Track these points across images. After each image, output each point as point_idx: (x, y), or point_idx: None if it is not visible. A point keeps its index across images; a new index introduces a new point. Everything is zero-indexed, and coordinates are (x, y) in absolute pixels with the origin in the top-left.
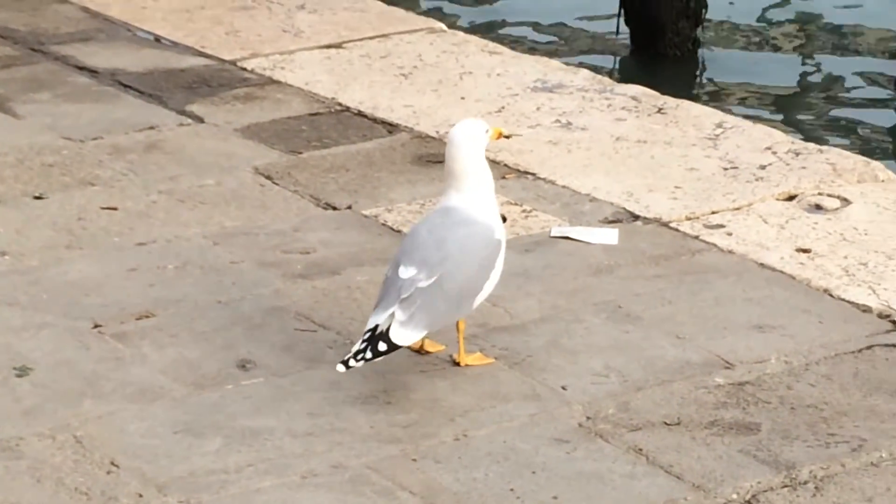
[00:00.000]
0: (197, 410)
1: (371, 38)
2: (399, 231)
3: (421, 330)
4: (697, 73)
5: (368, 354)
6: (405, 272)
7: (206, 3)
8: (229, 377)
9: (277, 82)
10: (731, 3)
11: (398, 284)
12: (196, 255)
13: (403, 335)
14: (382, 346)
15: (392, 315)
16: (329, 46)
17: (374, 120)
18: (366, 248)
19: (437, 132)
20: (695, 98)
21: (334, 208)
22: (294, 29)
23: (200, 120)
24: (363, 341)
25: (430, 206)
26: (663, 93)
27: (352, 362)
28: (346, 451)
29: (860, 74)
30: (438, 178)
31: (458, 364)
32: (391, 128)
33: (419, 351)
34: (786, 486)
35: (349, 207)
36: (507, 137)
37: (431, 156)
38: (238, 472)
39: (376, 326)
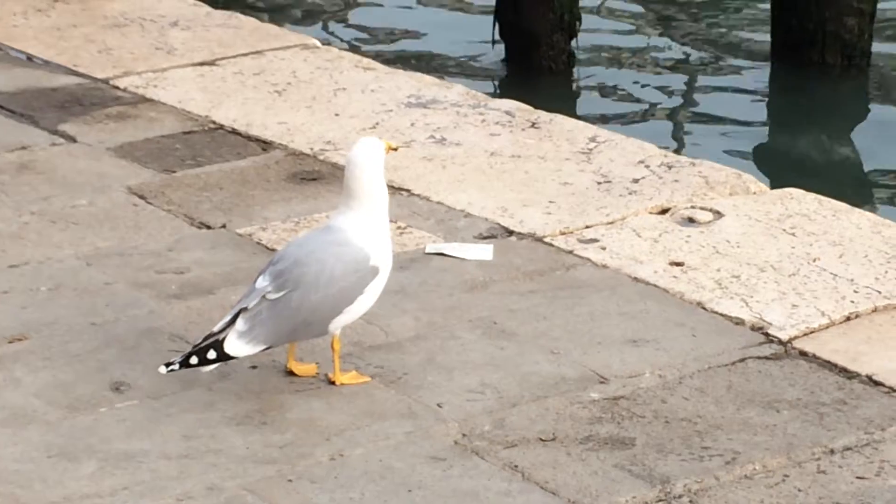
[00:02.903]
0: (71, 434)
1: (244, 54)
2: (274, 249)
3: (258, 344)
4: (572, 86)
5: (194, 360)
6: (262, 282)
7: (78, 22)
8: (103, 400)
9: (151, 100)
10: (603, 17)
11: (251, 293)
12: (69, 277)
13: (238, 347)
14: (212, 355)
15: (233, 323)
16: (202, 64)
17: (248, 137)
18: (240, 268)
19: (312, 149)
20: (570, 111)
21: (208, 227)
22: (167, 46)
23: (73, 139)
24: (195, 346)
25: (305, 224)
26: (538, 107)
27: (174, 366)
28: (222, 472)
29: (732, 86)
30: (313, 196)
31: (333, 383)
32: (265, 145)
33: (289, 372)
34: (660, 501)
35: (223, 226)
36: (395, 150)
37: (306, 173)
38: (113, 495)
39: (212, 333)
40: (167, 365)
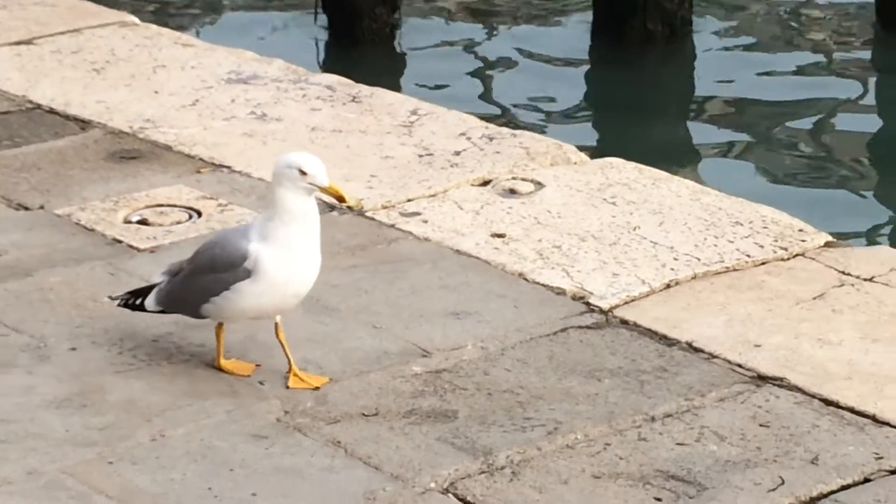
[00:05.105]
0: None
1: (62, 33)
2: (93, 230)
3: (157, 305)
4: (395, 59)
5: (129, 299)
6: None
7: None
8: None
9: None
10: None
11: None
12: None
13: (150, 301)
14: (138, 301)
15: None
16: (19, 43)
17: (67, 117)
18: (59, 249)
19: (131, 127)
20: (393, 84)
21: (26, 208)
22: None
23: None
24: (139, 288)
25: (125, 203)
26: (361, 79)
27: (118, 300)
28: (41, 456)
29: (554, 57)
30: (133, 175)
31: (221, 369)
32: (84, 124)
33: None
34: (483, 473)
35: (41, 207)
36: (351, 208)
37: (125, 152)
38: None
39: (154, 284)
40: (111, 297)
